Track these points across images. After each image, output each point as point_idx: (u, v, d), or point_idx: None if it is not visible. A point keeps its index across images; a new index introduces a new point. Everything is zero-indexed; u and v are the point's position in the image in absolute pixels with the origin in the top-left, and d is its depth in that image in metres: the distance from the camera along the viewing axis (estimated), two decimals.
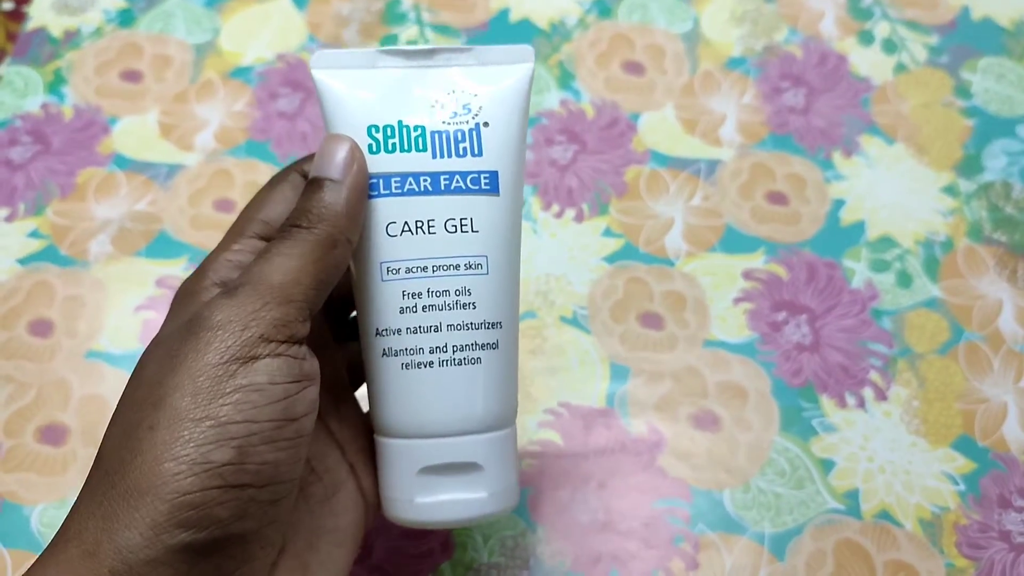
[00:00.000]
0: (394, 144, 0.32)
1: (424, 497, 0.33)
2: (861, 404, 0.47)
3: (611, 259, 0.51)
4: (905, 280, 0.51)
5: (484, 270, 0.33)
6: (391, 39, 0.59)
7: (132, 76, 0.57)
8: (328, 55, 0.33)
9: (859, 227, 0.53)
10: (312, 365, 0.30)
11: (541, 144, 0.55)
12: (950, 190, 0.54)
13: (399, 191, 0.32)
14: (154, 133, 0.55)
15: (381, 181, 0.32)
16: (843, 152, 0.56)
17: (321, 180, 0.31)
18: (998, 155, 0.56)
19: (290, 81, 0.57)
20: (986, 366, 0.48)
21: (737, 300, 0.50)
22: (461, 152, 0.33)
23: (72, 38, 0.59)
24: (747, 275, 0.51)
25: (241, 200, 0.52)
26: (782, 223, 0.53)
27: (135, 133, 0.55)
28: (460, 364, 0.33)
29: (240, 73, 0.58)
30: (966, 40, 0.61)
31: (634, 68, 0.59)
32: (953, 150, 0.56)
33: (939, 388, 0.48)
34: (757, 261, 0.52)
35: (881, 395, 0.47)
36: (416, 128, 0.32)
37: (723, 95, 0.58)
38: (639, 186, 0.54)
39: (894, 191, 0.54)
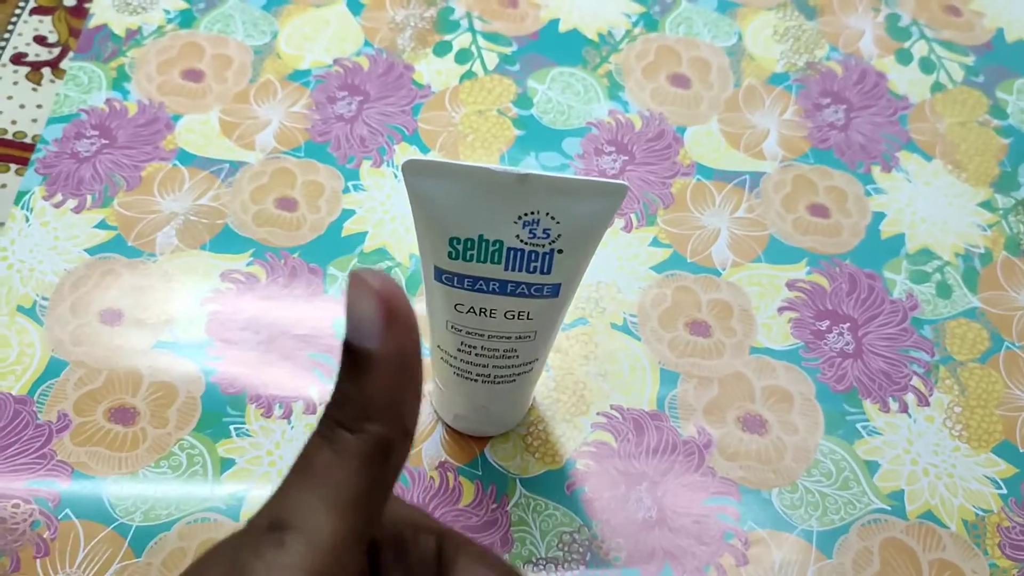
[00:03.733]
0: (472, 255, 0.35)
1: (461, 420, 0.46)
2: (904, 409, 0.49)
3: (659, 268, 0.53)
4: (945, 291, 0.53)
5: (532, 339, 0.39)
6: (444, 46, 0.61)
7: (193, 75, 0.59)
8: (422, 163, 0.33)
9: (899, 240, 0.55)
10: None
11: (591, 154, 0.57)
12: (987, 205, 0.56)
13: (470, 288, 0.36)
14: (215, 131, 0.56)
15: (455, 278, 0.36)
16: (883, 167, 0.57)
17: (358, 353, 0.24)
18: None
19: (347, 85, 0.59)
20: None
21: (781, 309, 0.52)
22: (531, 269, 0.35)
23: (134, 36, 0.60)
24: (791, 285, 0.53)
25: (302, 199, 0.54)
26: (824, 235, 0.55)
27: (197, 130, 0.56)
28: (499, 383, 0.41)
29: (298, 76, 0.59)
30: (1001, 62, 0.63)
31: (680, 81, 0.61)
32: (990, 167, 0.58)
33: (980, 395, 0.49)
34: (800, 272, 0.53)
35: (924, 400, 0.49)
36: (495, 243, 0.34)
37: (766, 111, 0.60)
38: (685, 197, 0.56)
39: (933, 205, 0.56)
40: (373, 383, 0.24)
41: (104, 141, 0.55)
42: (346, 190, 0.55)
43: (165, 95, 0.58)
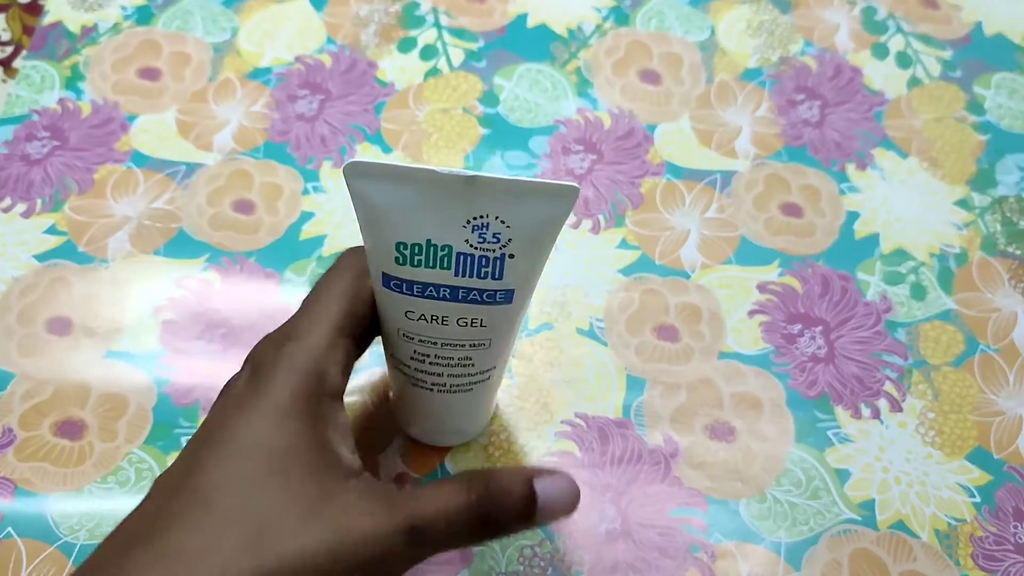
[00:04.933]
0: (419, 260, 0.34)
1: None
2: (876, 415, 0.47)
3: (627, 271, 0.52)
4: (919, 292, 0.51)
5: (487, 346, 0.37)
6: (409, 42, 0.59)
7: (150, 74, 0.57)
8: (365, 165, 0.32)
9: (873, 240, 0.53)
10: None
11: (559, 153, 0.55)
12: (964, 204, 0.55)
13: (419, 294, 0.35)
14: (172, 131, 0.55)
15: (404, 284, 0.35)
16: (857, 165, 0.56)
17: (539, 514, 0.34)
18: (1011, 170, 0.56)
19: (308, 83, 0.57)
20: (1001, 379, 0.49)
21: (752, 312, 0.51)
22: (483, 275, 0.34)
23: (89, 34, 0.59)
24: (762, 287, 0.51)
25: (260, 202, 0.52)
26: (797, 235, 0.53)
27: (153, 131, 0.55)
28: (454, 392, 0.40)
29: (258, 74, 0.58)
30: (979, 55, 0.61)
31: (651, 77, 0.59)
32: (967, 164, 0.57)
33: (954, 400, 0.48)
34: (772, 273, 0.52)
35: (896, 406, 0.48)
36: (443, 248, 0.33)
37: (738, 107, 0.58)
38: (655, 198, 0.54)
39: (908, 204, 0.55)
40: (523, 526, 0.34)
41: (56, 143, 0.54)
42: (305, 192, 0.53)
43: (120, 94, 0.56)
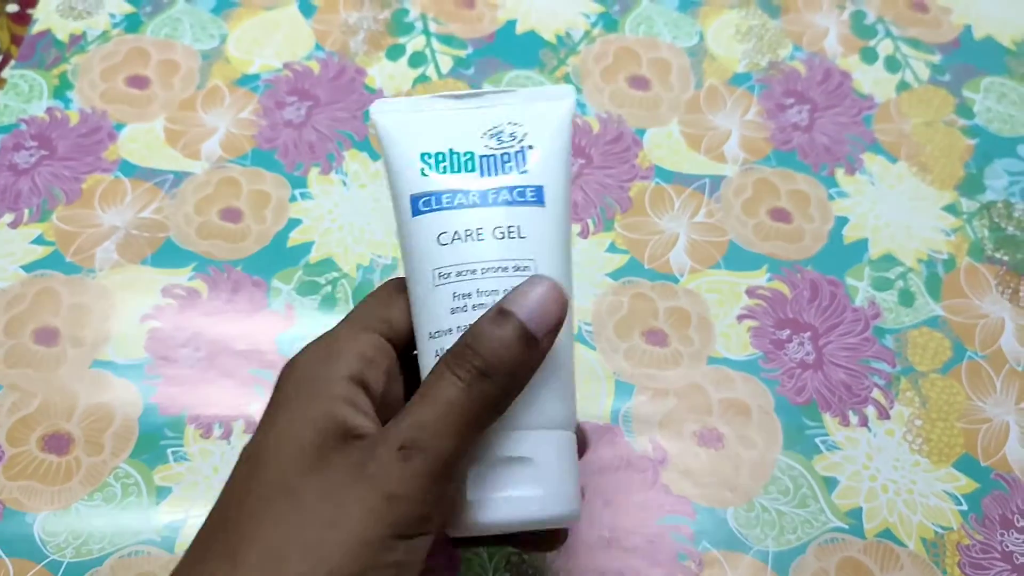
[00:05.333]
0: (445, 167, 0.34)
1: (477, 494, 0.32)
2: (864, 422, 0.47)
3: (616, 275, 0.52)
4: (907, 299, 0.51)
5: (532, 271, 0.34)
6: (398, 49, 0.59)
7: (138, 82, 0.57)
8: (387, 103, 0.36)
9: (862, 245, 0.53)
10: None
11: None
12: (952, 209, 0.55)
13: (449, 205, 0.34)
14: (160, 140, 0.55)
15: (433, 198, 0.34)
16: (846, 170, 0.56)
17: (528, 333, 0.30)
18: (1000, 174, 0.56)
19: (297, 90, 0.57)
20: (988, 386, 0.49)
21: (741, 317, 0.51)
22: (507, 170, 0.34)
23: (78, 42, 0.59)
24: (751, 292, 0.51)
25: (247, 209, 0.52)
26: (785, 240, 0.53)
27: (141, 140, 0.55)
28: None
29: (247, 81, 0.57)
30: (968, 59, 0.61)
31: (640, 83, 0.59)
32: (955, 169, 0.56)
33: (941, 407, 0.48)
34: (760, 278, 0.52)
35: (884, 413, 0.48)
36: (466, 154, 0.35)
37: (727, 111, 0.58)
38: (644, 202, 0.54)
39: (896, 209, 0.55)
40: (523, 358, 0.30)
41: (44, 152, 0.54)
42: (293, 199, 0.53)
43: (108, 103, 0.56)
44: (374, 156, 0.55)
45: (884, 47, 0.62)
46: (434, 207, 0.34)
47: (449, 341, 0.32)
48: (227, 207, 0.53)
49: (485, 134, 0.35)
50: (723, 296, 0.51)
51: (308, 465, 0.29)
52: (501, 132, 0.35)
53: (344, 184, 0.54)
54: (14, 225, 0.51)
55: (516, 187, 0.34)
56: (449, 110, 0.36)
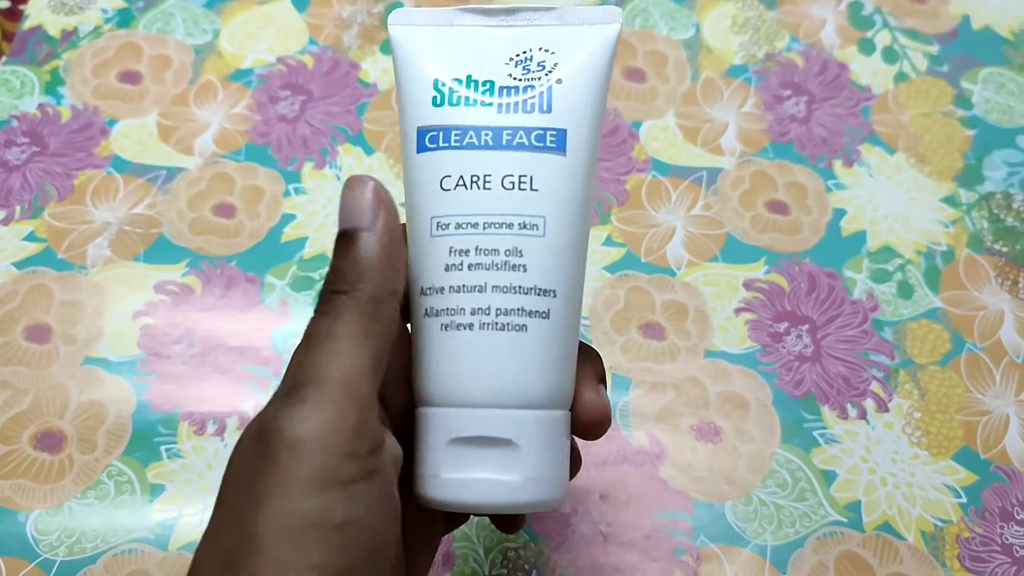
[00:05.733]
0: (459, 97, 0.31)
1: (452, 473, 0.30)
2: (863, 415, 0.47)
3: (612, 268, 0.51)
4: (906, 291, 0.51)
5: (540, 232, 0.30)
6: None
7: (131, 77, 0.57)
8: (406, 13, 0.32)
9: (860, 237, 0.53)
10: (392, 476, 0.28)
11: None
12: (950, 200, 0.54)
13: (458, 144, 0.31)
14: (153, 136, 0.54)
15: (441, 134, 0.31)
16: (844, 161, 0.56)
17: (351, 233, 0.29)
18: (999, 165, 0.56)
19: (290, 84, 0.57)
20: (988, 378, 0.48)
21: (738, 310, 0.50)
22: (528, 108, 0.31)
23: (69, 38, 0.58)
24: (748, 285, 0.51)
25: (241, 205, 0.52)
26: (783, 233, 0.53)
27: (133, 135, 0.54)
28: (503, 329, 0.30)
29: (240, 76, 0.57)
30: (967, 50, 0.61)
31: (635, 75, 0.59)
32: (954, 160, 0.56)
33: (940, 400, 0.48)
34: (758, 271, 0.52)
35: (883, 406, 0.47)
36: (485, 83, 0.31)
37: (724, 103, 0.58)
38: (640, 195, 0.54)
39: (895, 201, 0.54)
40: (364, 253, 0.28)
41: (35, 148, 0.54)
42: (287, 194, 0.53)
43: (100, 99, 0.56)
44: (368, 150, 0.54)
45: (882, 38, 0.61)
46: (440, 145, 0.31)
47: (441, 302, 0.30)
48: (220, 203, 0.52)
49: (511, 60, 0.31)
50: (720, 289, 0.51)
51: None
52: (529, 60, 0.31)
53: (338, 179, 0.53)
54: (5, 222, 0.51)
55: (535, 129, 0.31)
56: (475, 25, 0.32)
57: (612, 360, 0.48)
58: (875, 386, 0.48)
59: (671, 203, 0.54)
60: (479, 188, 0.30)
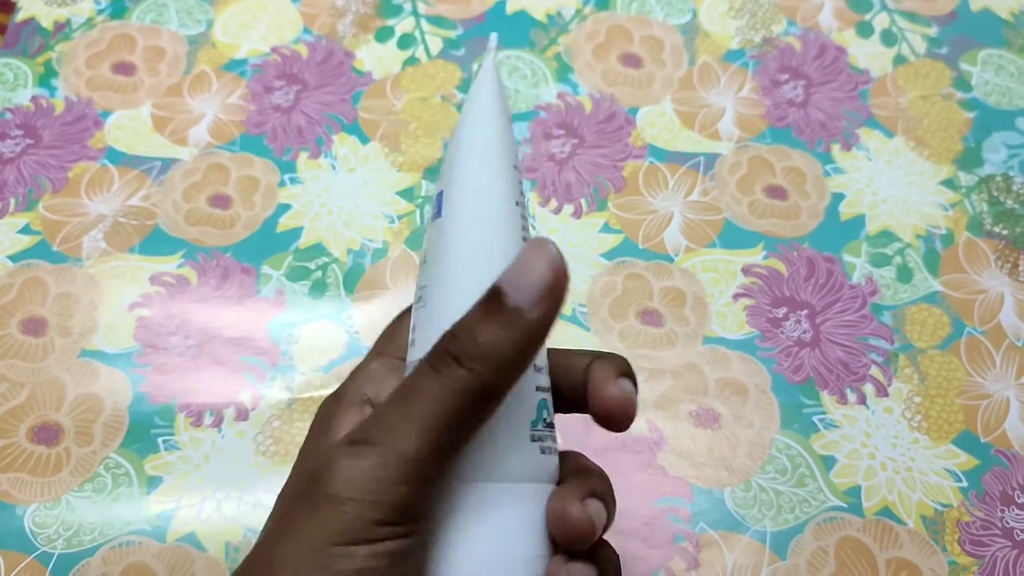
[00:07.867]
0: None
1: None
2: (862, 400, 0.47)
3: (610, 255, 0.51)
4: (905, 275, 0.51)
5: (422, 303, 0.29)
6: (386, 31, 0.59)
7: (124, 68, 0.56)
8: None
9: (859, 221, 0.53)
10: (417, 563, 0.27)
11: (539, 138, 0.55)
12: (950, 183, 0.54)
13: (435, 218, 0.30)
14: (147, 127, 0.54)
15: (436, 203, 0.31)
16: (842, 145, 0.55)
17: (506, 304, 0.25)
18: (998, 148, 0.56)
19: (285, 74, 0.57)
20: (988, 361, 0.48)
21: (737, 296, 0.50)
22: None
23: (62, 29, 0.58)
24: (746, 271, 0.51)
25: (236, 195, 0.52)
26: (781, 218, 0.53)
27: (128, 127, 0.54)
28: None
29: (234, 66, 0.57)
30: (966, 31, 0.60)
31: (632, 61, 0.58)
32: (953, 143, 0.56)
33: (940, 384, 0.47)
34: (756, 256, 0.51)
35: (882, 391, 0.47)
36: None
37: (721, 88, 0.58)
38: (638, 181, 0.54)
39: (894, 185, 0.54)
40: (504, 335, 0.25)
41: (29, 141, 0.53)
42: (282, 184, 0.52)
43: (94, 91, 0.55)
44: (363, 139, 0.54)
45: (880, 21, 0.61)
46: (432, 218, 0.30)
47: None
48: (216, 193, 0.52)
49: None
50: (719, 275, 0.51)
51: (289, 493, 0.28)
52: None
53: (333, 168, 0.53)
54: (0, 215, 0.51)
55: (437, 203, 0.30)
56: None
57: (610, 347, 0.48)
58: (875, 371, 0.48)
59: (668, 189, 0.54)
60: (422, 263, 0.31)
